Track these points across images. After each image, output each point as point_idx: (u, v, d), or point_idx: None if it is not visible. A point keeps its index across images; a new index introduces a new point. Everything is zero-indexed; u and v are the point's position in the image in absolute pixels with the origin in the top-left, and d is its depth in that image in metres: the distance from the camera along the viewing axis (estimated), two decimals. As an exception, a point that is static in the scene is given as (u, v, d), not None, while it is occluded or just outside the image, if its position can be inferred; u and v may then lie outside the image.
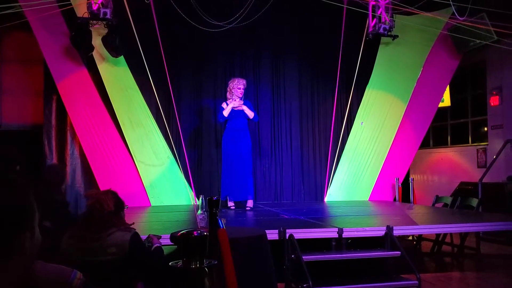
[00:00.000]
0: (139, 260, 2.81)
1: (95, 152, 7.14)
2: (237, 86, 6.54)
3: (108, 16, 6.35)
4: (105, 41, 6.64)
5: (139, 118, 7.26)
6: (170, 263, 2.48)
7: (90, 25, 6.53)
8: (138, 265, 2.80)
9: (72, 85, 7.06)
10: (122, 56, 7.00)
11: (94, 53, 6.88)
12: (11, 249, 1.19)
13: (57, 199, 5.76)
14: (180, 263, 2.47)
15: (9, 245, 1.19)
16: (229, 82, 6.73)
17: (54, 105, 7.25)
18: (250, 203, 6.53)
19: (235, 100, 6.49)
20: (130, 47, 6.93)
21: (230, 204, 6.58)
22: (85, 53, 6.84)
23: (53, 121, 7.28)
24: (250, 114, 6.53)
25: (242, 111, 6.53)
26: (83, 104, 7.10)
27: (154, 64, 7.18)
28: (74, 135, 7.23)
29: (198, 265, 2.38)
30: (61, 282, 1.68)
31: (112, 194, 2.82)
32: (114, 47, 6.68)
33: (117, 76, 7.19)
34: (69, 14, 6.81)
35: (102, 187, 6.90)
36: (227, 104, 6.55)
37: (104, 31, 6.65)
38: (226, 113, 6.49)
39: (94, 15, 6.38)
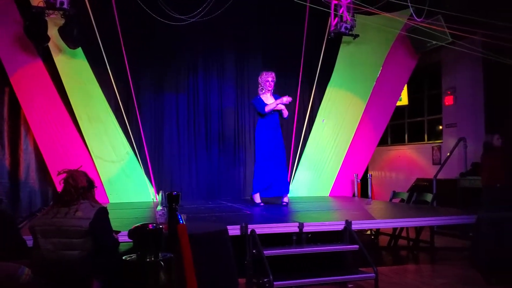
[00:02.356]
0: (100, 233, 2.82)
1: (50, 147, 6.90)
2: (266, 79, 6.28)
3: (65, 5, 6.09)
4: (62, 32, 6.39)
5: (97, 112, 7.07)
6: (123, 257, 2.43)
7: (46, 15, 6.24)
8: (97, 238, 2.82)
9: (26, 77, 6.77)
10: (80, 48, 6.78)
11: (50, 44, 6.62)
12: None
13: None
14: (134, 257, 2.43)
15: None
16: (258, 77, 6.46)
17: (6, 98, 6.93)
18: (286, 199, 6.40)
19: (273, 98, 6.21)
20: (88, 38, 6.71)
21: (256, 199, 6.34)
22: (40, 44, 6.56)
23: (5, 115, 6.96)
24: (285, 113, 6.29)
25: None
26: (38, 98, 6.83)
27: (113, 57, 6.99)
28: (28, 129, 6.96)
29: (153, 259, 2.35)
30: (9, 278, 1.65)
31: (83, 172, 3.04)
32: (71, 39, 6.44)
33: (74, 69, 6.96)
34: (22, 2, 6.52)
35: (58, 183, 6.66)
36: (261, 99, 6.25)
37: (61, 21, 6.38)
38: (268, 109, 6.14)
39: (50, 4, 6.11)
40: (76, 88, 6.98)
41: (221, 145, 8.04)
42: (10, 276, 2.57)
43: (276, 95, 6.39)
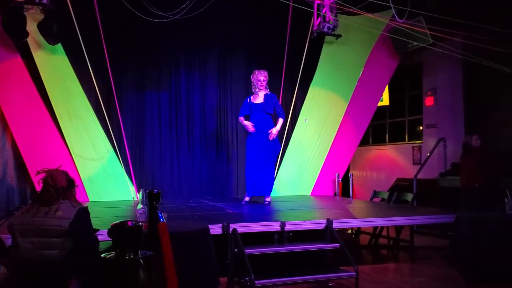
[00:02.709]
0: (80, 233, 2.80)
1: (29, 145, 6.77)
2: (257, 78, 6.31)
3: (44, 0, 5.99)
4: (41, 27, 6.28)
5: (77, 109, 6.97)
6: (102, 255, 2.40)
7: (25, 9, 6.13)
8: (77, 239, 2.79)
9: (4, 73, 6.63)
10: (59, 44, 6.68)
11: (29, 40, 6.51)
12: None
13: None
14: (113, 255, 2.39)
15: None
16: (251, 76, 6.50)
17: (-17, 94, 6.78)
18: (269, 198, 6.43)
19: (263, 98, 6.31)
20: (68, 34, 6.60)
21: (246, 198, 6.44)
22: (19, 40, 6.43)
23: (-18, 112, 6.82)
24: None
25: (264, 106, 6.29)
26: (16, 94, 6.70)
27: (94, 53, 6.89)
28: (6, 126, 6.81)
29: (132, 257, 2.33)
30: None
31: (64, 172, 3.00)
32: (51, 34, 6.33)
33: (54, 65, 6.85)
34: (0, -4, 6.38)
35: (36, 181, 6.54)
36: (249, 99, 6.36)
37: (40, 16, 6.27)
38: (240, 120, 6.42)
39: (29, -1, 6.01)
40: (56, 85, 6.87)
41: (204, 144, 8.01)
42: None
43: (272, 93, 6.45)
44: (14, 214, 5.52)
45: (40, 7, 6.13)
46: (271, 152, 6.37)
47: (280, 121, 6.33)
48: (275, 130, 6.25)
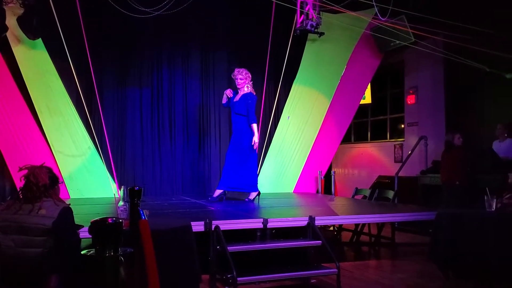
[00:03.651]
0: (63, 232, 2.77)
1: (8, 140, 6.68)
2: (236, 76, 6.30)
3: (24, -6, 5.89)
4: (21, 21, 6.18)
5: (57, 105, 6.88)
6: (82, 252, 2.37)
7: (4, 3, 6.04)
8: (60, 237, 2.76)
9: (-18, 68, 6.51)
10: (40, 39, 6.58)
11: (8, 35, 6.41)
12: None
13: None
14: (93, 251, 2.37)
15: None
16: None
17: (-40, 89, 6.65)
18: (251, 196, 6.41)
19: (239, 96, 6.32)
20: (49, 29, 6.48)
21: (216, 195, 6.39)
22: (-3, 34, 6.32)
23: (-41, 107, 6.68)
24: (254, 128, 6.19)
25: (237, 107, 6.27)
26: (-5, 89, 6.58)
27: (75, 48, 6.78)
28: (-16, 122, 6.68)
29: (112, 253, 2.31)
30: None
31: (47, 169, 2.93)
32: (30, 29, 6.23)
33: (34, 60, 6.75)
34: (-21, -10, 6.24)
35: (16, 178, 6.44)
36: (233, 95, 6.34)
37: (20, 10, 6.17)
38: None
39: (9, -7, 5.90)
40: (36, 80, 6.77)
41: (186, 141, 7.97)
42: None
43: (249, 94, 6.35)
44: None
45: (20, 1, 6.05)
46: (247, 150, 6.30)
47: (254, 127, 6.21)
48: (256, 139, 6.21)
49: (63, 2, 6.62)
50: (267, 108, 8.26)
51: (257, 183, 6.44)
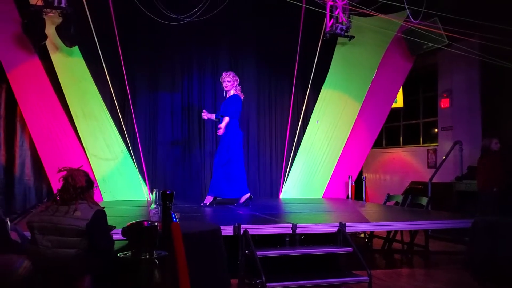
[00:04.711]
0: (96, 234, 2.84)
1: (45, 144, 6.89)
2: (222, 80, 6.38)
3: (62, 4, 6.12)
4: (59, 30, 6.39)
5: (92, 110, 7.06)
6: (119, 254, 2.42)
7: (44, 13, 6.26)
8: (92, 239, 2.83)
9: (23, 74, 6.79)
10: (76, 47, 6.79)
11: (48, 42, 6.64)
12: None
13: None
14: (129, 254, 2.41)
15: None
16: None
17: (3, 95, 6.98)
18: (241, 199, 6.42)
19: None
20: (85, 37, 6.71)
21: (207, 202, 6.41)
22: (37, 42, 6.57)
23: (2, 112, 7.00)
24: (225, 120, 6.20)
25: (221, 109, 6.36)
26: (34, 95, 6.84)
27: (109, 55, 6.99)
28: (24, 126, 6.97)
29: (148, 257, 2.34)
30: (7, 270, 1.69)
31: (84, 172, 3.04)
32: (68, 37, 6.44)
33: (71, 67, 6.96)
34: (21, 0, 6.52)
35: (53, 180, 6.65)
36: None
37: (59, 19, 6.39)
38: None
39: (48, 3, 6.13)
40: (72, 86, 6.98)
41: (215, 144, 8.02)
42: (5, 268, 2.58)
43: (234, 96, 6.38)
44: (31, 211, 5.63)
45: (59, 11, 6.26)
46: (232, 153, 6.28)
47: (225, 118, 6.19)
48: (223, 125, 6.18)
49: (98, 11, 6.84)
50: (296, 113, 8.24)
51: (246, 185, 6.35)
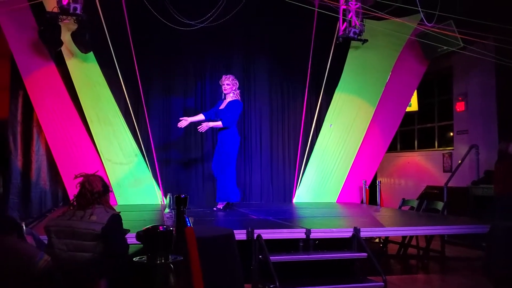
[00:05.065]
0: (111, 238, 2.86)
1: (61, 149, 6.96)
2: (222, 83, 6.42)
3: (78, 11, 6.19)
4: (75, 36, 6.49)
5: (107, 115, 7.13)
6: (134, 259, 2.42)
7: (60, 20, 6.36)
8: (108, 243, 2.85)
9: (39, 80, 6.88)
10: (91, 52, 6.86)
11: (63, 49, 6.73)
12: None
13: None
14: (144, 258, 2.42)
15: None
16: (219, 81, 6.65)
17: (20, 100, 7.06)
18: (219, 205, 6.49)
19: (225, 104, 6.42)
20: (99, 43, 6.79)
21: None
22: (53, 48, 6.69)
23: (19, 117, 7.08)
24: (218, 124, 6.30)
25: (221, 114, 6.35)
26: (50, 100, 6.93)
27: (123, 60, 7.05)
28: (40, 131, 7.05)
29: (163, 261, 2.35)
30: (28, 260, 1.76)
31: (100, 177, 3.08)
32: (83, 43, 6.54)
33: (86, 72, 7.04)
34: (38, 8, 6.63)
35: (68, 185, 6.72)
36: (220, 104, 6.42)
37: (74, 26, 6.49)
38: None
39: (64, 10, 6.22)
40: (87, 91, 7.05)
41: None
42: (30, 258, 2.64)
43: (235, 101, 6.42)
44: (47, 216, 5.69)
45: (74, 18, 6.36)
46: (226, 159, 6.33)
47: (219, 122, 6.26)
48: (210, 124, 6.27)
49: (113, 18, 6.93)
50: (309, 117, 8.21)
51: (235, 191, 6.40)
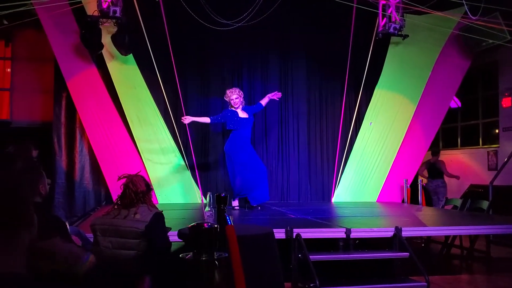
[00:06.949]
0: (154, 236, 2.92)
1: (103, 149, 7.17)
2: (230, 98, 6.46)
3: (117, 14, 6.36)
4: (115, 39, 6.66)
5: (147, 115, 7.28)
6: (180, 255, 2.46)
7: (100, 23, 6.56)
8: (151, 241, 2.91)
9: (81, 83, 7.12)
10: (131, 55, 7.03)
11: (104, 51, 6.92)
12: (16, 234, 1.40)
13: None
14: (189, 255, 2.45)
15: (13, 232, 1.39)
16: (224, 96, 6.71)
17: (63, 102, 7.34)
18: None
19: (245, 113, 6.54)
20: (139, 45, 6.94)
21: (235, 204, 6.55)
22: (94, 51, 6.88)
23: (63, 119, 7.35)
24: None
25: (249, 121, 6.50)
26: (92, 102, 7.15)
27: (162, 62, 7.18)
28: (83, 132, 7.28)
29: (208, 258, 2.37)
30: (75, 261, 1.82)
31: (142, 177, 3.16)
32: (123, 45, 6.70)
33: (126, 74, 7.21)
34: (79, 12, 6.85)
35: (111, 184, 6.91)
36: (236, 114, 6.45)
37: (114, 29, 6.68)
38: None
39: (104, 13, 6.40)
40: (127, 93, 7.23)
41: (265, 148, 8.03)
42: (76, 258, 2.72)
43: (247, 106, 6.62)
44: (90, 214, 5.86)
45: (114, 21, 6.53)
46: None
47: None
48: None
49: (151, 20, 7.06)
50: (348, 115, 8.08)
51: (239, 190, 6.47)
